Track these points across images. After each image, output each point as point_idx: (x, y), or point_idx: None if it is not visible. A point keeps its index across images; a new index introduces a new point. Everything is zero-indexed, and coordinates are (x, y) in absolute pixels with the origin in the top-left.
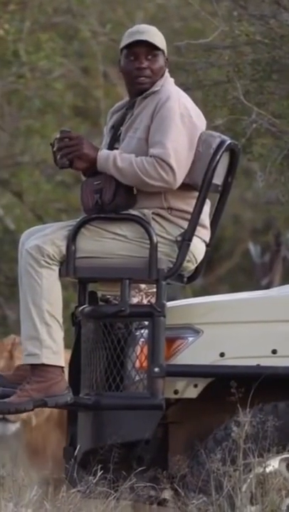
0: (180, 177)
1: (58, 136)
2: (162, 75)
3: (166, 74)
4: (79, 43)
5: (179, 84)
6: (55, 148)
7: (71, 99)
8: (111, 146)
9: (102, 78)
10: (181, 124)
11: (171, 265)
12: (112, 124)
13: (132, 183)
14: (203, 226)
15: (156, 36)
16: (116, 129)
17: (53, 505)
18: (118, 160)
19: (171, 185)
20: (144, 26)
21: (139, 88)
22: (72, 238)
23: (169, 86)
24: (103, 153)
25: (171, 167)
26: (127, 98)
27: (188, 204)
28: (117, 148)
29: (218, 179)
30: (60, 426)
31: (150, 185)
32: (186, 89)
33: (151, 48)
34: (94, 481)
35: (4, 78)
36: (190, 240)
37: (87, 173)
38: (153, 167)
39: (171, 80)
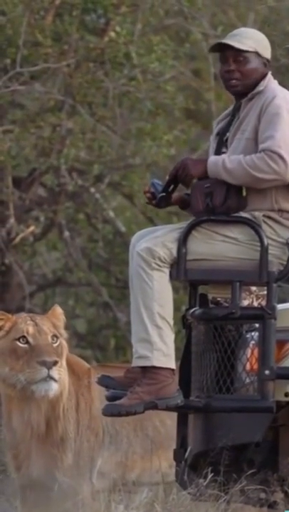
0: None
1: (148, 188)
2: (264, 76)
3: (269, 75)
4: (190, 46)
5: None
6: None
7: (182, 102)
8: (218, 152)
9: (214, 81)
10: None
11: (282, 267)
12: (218, 132)
13: (243, 182)
14: None
15: (246, 38)
16: (222, 135)
17: (164, 508)
18: (227, 162)
19: (283, 177)
20: (239, 30)
21: (232, 91)
22: (183, 240)
23: (273, 85)
24: (211, 159)
25: (281, 157)
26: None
27: None
28: (224, 153)
29: None
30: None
31: (262, 180)
32: None
33: (237, 50)
34: (204, 484)
35: (116, 80)
36: None
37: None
38: (263, 160)
39: (275, 81)
